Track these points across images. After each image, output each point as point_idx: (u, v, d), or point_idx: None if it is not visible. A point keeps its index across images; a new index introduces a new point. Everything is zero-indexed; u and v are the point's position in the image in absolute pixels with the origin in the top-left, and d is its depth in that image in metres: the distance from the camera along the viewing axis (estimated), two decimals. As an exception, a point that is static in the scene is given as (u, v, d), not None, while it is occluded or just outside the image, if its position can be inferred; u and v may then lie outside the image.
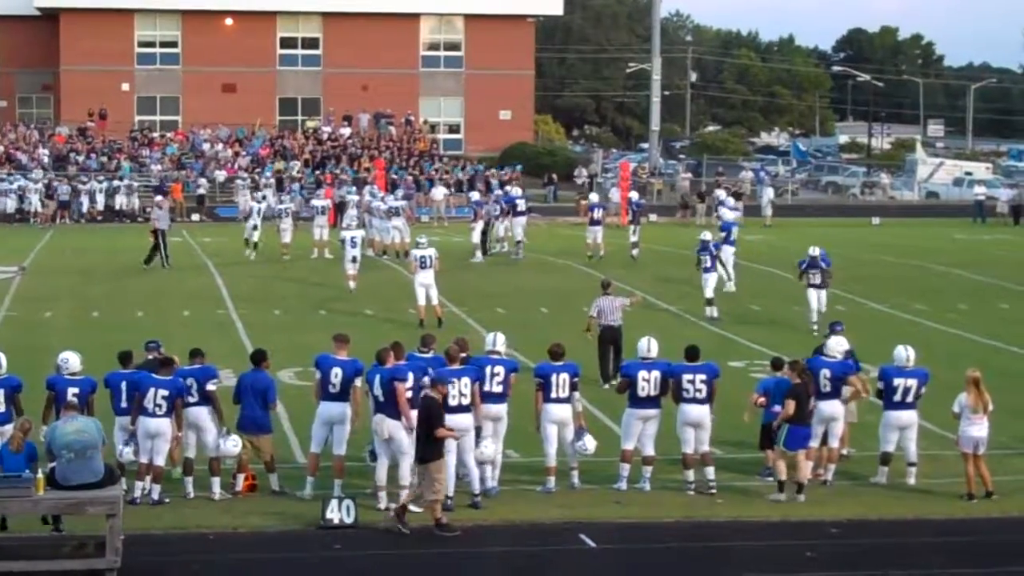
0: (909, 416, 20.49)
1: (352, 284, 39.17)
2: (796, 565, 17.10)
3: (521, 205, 50.32)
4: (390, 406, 18.87)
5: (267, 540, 17.83)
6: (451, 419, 18.86)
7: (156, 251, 45.83)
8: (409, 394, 18.91)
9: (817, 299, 33.77)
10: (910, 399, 20.41)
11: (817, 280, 33.76)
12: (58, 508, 16.75)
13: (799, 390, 19.70)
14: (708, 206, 66.85)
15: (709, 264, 35.53)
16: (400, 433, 18.87)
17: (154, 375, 19.23)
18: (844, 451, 21.55)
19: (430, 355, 20.11)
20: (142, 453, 19.19)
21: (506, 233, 50.48)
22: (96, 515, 16.47)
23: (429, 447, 18.25)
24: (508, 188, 55.51)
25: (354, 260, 39.38)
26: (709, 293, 35.43)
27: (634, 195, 54.49)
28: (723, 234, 41.05)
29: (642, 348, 20.44)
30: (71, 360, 19.54)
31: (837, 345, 21.07)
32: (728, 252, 40.30)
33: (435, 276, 33.92)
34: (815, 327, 32.51)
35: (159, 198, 55.28)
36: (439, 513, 18.15)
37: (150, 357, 20.39)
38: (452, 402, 19.01)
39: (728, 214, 45.88)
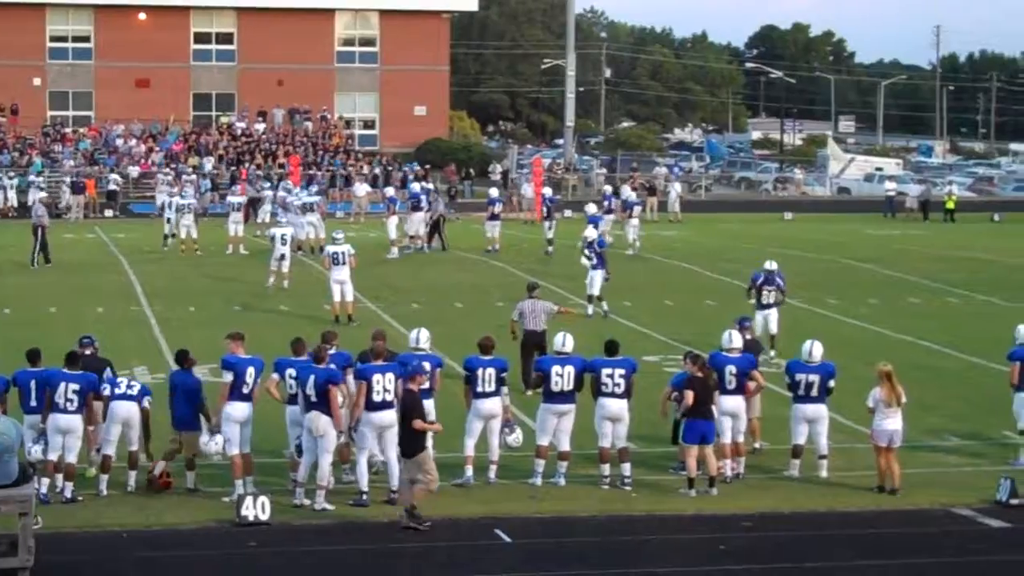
0: (816, 409, 20.69)
1: (273, 280, 38.98)
2: (710, 558, 17.23)
3: (423, 202, 50.49)
4: (323, 404, 18.87)
5: (182, 538, 17.74)
6: (376, 415, 18.92)
7: (38, 248, 45.05)
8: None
9: (765, 322, 29.56)
10: (814, 393, 20.59)
11: (771, 299, 29.84)
12: (-31, 507, 16.60)
13: (696, 383, 19.88)
14: (623, 202, 67.04)
15: (596, 262, 35.41)
16: (332, 431, 18.91)
17: (64, 370, 19.10)
18: (756, 444, 21.79)
19: (332, 351, 20.04)
20: (51, 450, 19.01)
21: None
22: (8, 514, 16.33)
23: (411, 440, 18.30)
24: (416, 184, 55.75)
25: (282, 258, 39.12)
26: (594, 291, 35.17)
27: (548, 191, 54.57)
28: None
29: (557, 343, 20.53)
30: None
31: (735, 340, 21.13)
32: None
33: (351, 273, 33.75)
34: (773, 354, 28.55)
35: (41, 195, 54.90)
36: (416, 500, 18.11)
37: (86, 352, 20.31)
38: (376, 397, 19.05)
39: (592, 208, 45.98)
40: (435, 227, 50.26)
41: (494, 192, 52.69)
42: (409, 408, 18.47)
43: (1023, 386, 21.81)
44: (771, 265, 30.14)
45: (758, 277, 30.05)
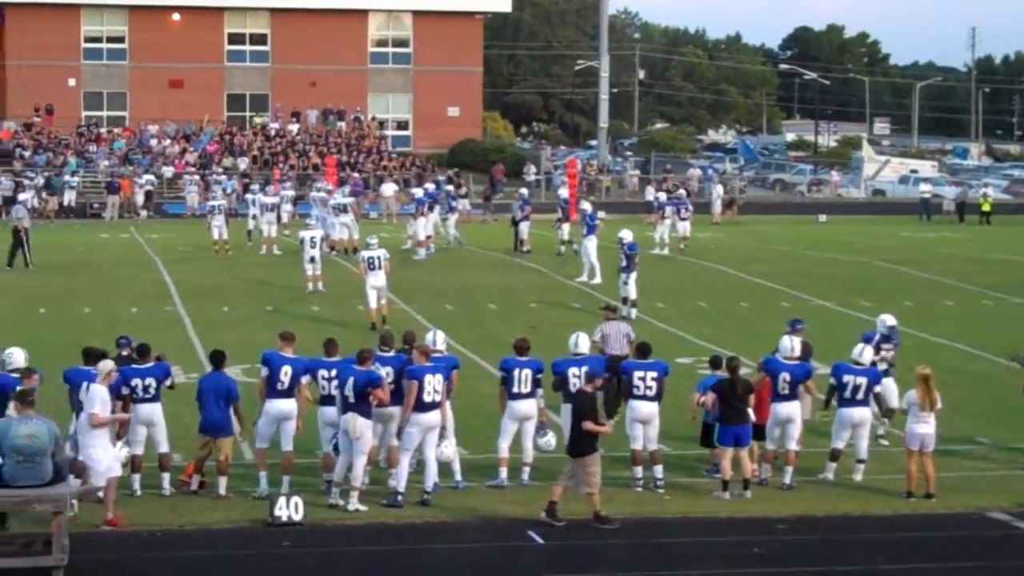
0: (862, 413, 20.56)
1: (311, 285, 38.99)
2: (744, 561, 17.18)
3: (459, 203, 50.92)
4: (362, 405, 18.88)
5: (215, 537, 17.77)
6: (425, 416, 18.96)
7: (18, 250, 44.79)
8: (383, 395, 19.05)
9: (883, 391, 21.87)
10: (860, 396, 20.48)
11: (887, 361, 23.10)
12: (4, 506, 16.68)
13: (721, 386, 19.83)
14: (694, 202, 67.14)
15: (625, 264, 35.24)
16: (368, 433, 18.92)
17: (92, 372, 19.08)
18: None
19: (391, 354, 20.08)
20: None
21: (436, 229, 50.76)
22: (42, 512, 16.39)
23: (582, 441, 18.35)
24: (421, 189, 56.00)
25: (312, 260, 39.18)
26: (628, 294, 35.17)
27: (588, 207, 51.90)
28: (585, 227, 41.75)
29: (571, 344, 20.47)
30: (15, 356, 19.37)
31: (796, 348, 20.84)
32: (592, 244, 41.09)
33: (386, 277, 33.57)
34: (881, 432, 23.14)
35: (24, 196, 55.19)
36: (598, 506, 18.27)
37: (123, 353, 20.35)
38: (427, 398, 19.07)
39: (588, 206, 45.76)
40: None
41: (524, 192, 52.72)
42: (584, 409, 18.47)
43: None
44: (889, 320, 24.09)
45: (872, 336, 23.19)
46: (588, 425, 18.35)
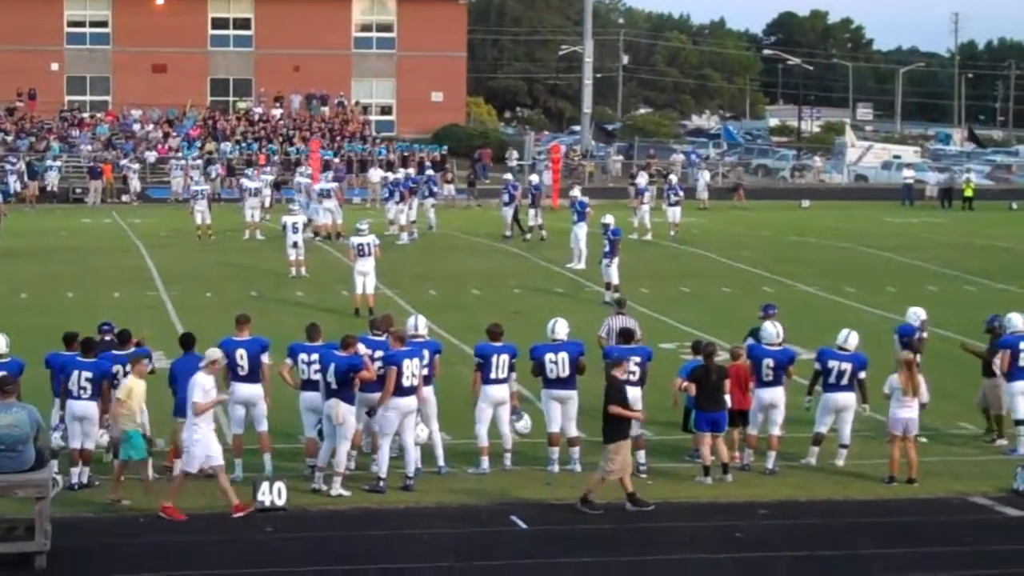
0: (846, 398, 20.60)
1: (294, 270, 38.95)
2: (726, 546, 17.22)
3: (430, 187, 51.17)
4: (344, 391, 18.89)
5: (198, 522, 17.78)
6: (404, 400, 19.00)
7: None
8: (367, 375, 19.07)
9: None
10: (845, 381, 20.50)
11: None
12: (-14, 491, 16.66)
13: (700, 373, 19.87)
14: (659, 188, 66.99)
15: (608, 249, 35.25)
16: (351, 419, 18.94)
17: (78, 358, 19.11)
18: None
19: (382, 338, 20.07)
20: (72, 438, 19.07)
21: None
22: (25, 498, 16.37)
23: (613, 426, 18.38)
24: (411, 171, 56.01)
25: (295, 245, 39.13)
26: (611, 279, 35.17)
27: (577, 193, 50.36)
28: (575, 213, 41.71)
29: (548, 329, 20.43)
30: (-4, 341, 19.38)
31: (777, 332, 20.93)
32: (581, 231, 41.09)
33: (375, 264, 33.37)
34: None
35: None
36: (594, 493, 18.33)
37: (106, 339, 20.33)
38: (405, 383, 19.08)
39: (578, 192, 45.67)
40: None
41: (508, 177, 52.71)
42: (613, 394, 18.50)
43: (1016, 375, 21.72)
44: (923, 314, 23.53)
45: (913, 330, 23.07)
46: (614, 409, 18.38)
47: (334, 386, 18.90)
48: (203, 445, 17.93)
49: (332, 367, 18.91)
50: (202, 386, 18.01)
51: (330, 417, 18.97)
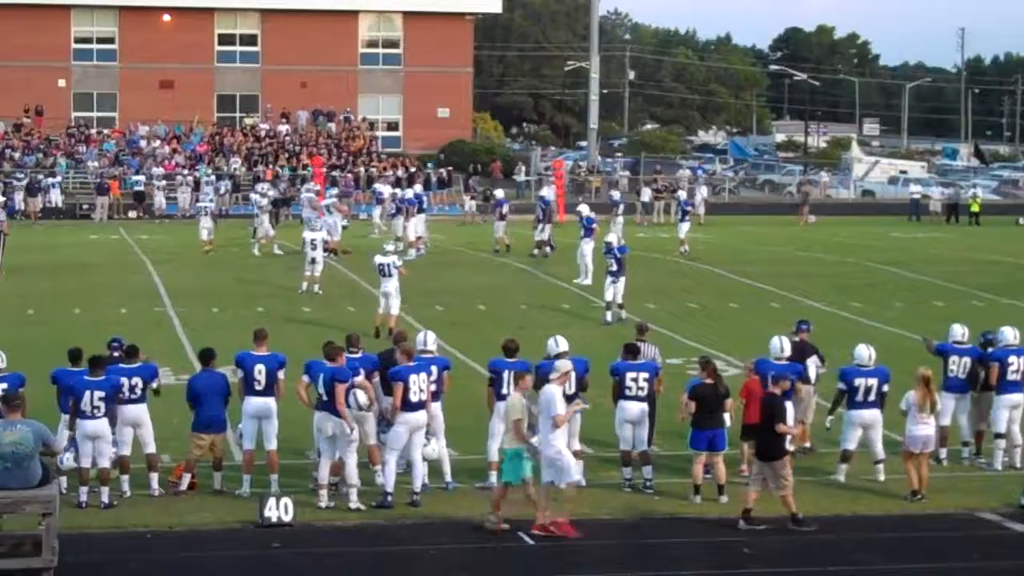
0: (872, 415, 20.59)
1: (306, 285, 38.94)
2: (734, 561, 17.19)
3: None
4: (332, 404, 18.89)
5: (205, 538, 17.75)
6: (413, 415, 18.99)
7: None
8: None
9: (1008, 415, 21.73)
10: (872, 397, 20.52)
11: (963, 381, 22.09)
12: (-5, 508, 16.63)
13: (701, 391, 19.76)
14: (667, 204, 67.07)
15: (616, 268, 35.14)
16: (343, 430, 18.91)
17: (87, 377, 19.05)
18: (807, 445, 21.69)
19: (359, 355, 20.08)
20: (82, 457, 19.04)
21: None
22: (32, 514, 16.36)
23: (774, 444, 18.38)
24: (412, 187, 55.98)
25: (313, 262, 39.15)
26: (609, 296, 35.04)
27: (584, 209, 49.67)
28: (583, 229, 41.79)
29: (549, 347, 20.34)
30: (-7, 357, 19.37)
31: (781, 346, 21.01)
32: (588, 247, 41.13)
33: (399, 284, 32.69)
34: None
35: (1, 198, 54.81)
36: (793, 507, 18.31)
37: (115, 355, 20.32)
38: (413, 398, 19.07)
39: (585, 209, 45.56)
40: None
41: (500, 193, 52.97)
42: (773, 411, 18.47)
43: (1006, 388, 21.67)
44: (962, 331, 22.51)
45: (943, 348, 22.53)
46: (782, 427, 18.35)
47: (324, 397, 18.98)
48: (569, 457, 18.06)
49: (320, 378, 19.04)
50: (559, 399, 18.08)
51: (320, 430, 18.99)
